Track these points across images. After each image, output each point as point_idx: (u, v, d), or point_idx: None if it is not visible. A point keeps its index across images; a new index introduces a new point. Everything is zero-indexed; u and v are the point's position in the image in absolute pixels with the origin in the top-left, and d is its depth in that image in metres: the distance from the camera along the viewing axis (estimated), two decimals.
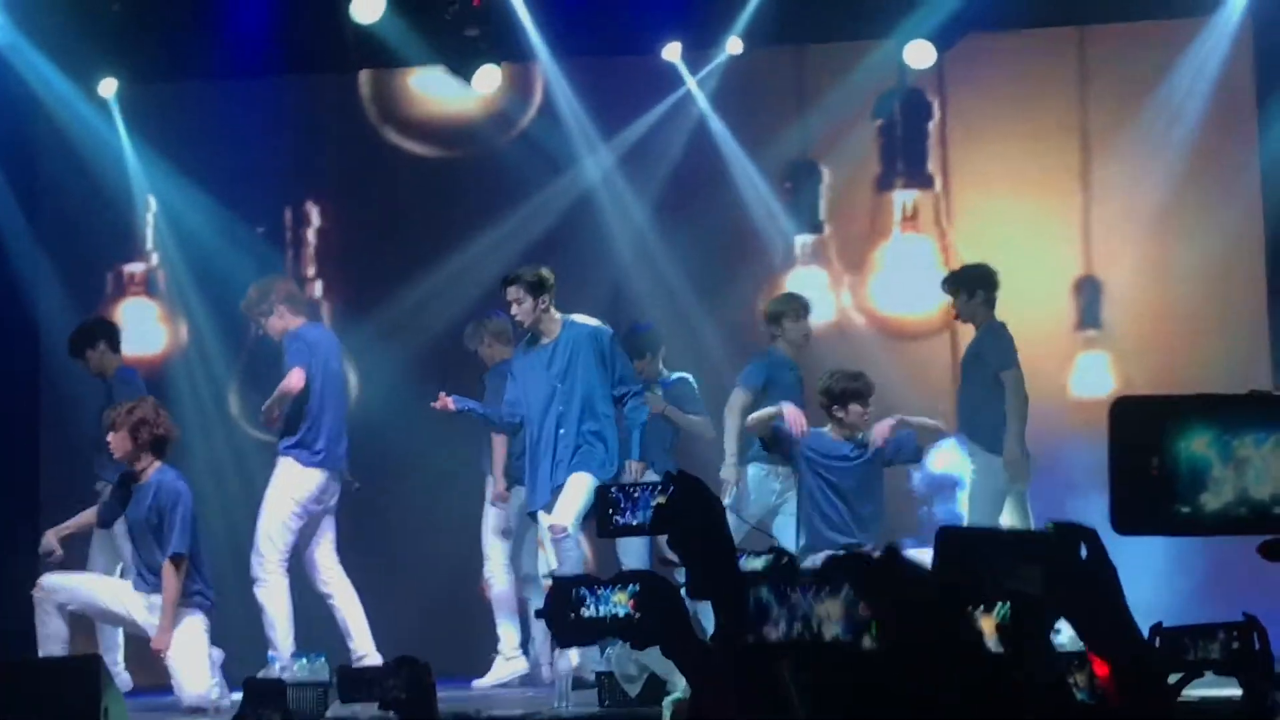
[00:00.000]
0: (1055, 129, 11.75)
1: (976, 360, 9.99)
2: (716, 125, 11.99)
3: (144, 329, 12.23)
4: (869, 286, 12.06)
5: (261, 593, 9.68)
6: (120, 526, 9.57)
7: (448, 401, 9.37)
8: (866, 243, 12.07)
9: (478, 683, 10.11)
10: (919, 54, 11.62)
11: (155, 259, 12.37)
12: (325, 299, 12.34)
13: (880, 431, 9.60)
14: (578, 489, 9.11)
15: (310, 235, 12.44)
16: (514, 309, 9.41)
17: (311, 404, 9.71)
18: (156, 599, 9.17)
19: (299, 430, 9.70)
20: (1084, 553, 2.11)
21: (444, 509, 11.16)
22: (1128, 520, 1.42)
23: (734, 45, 11.83)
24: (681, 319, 11.44)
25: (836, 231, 12.15)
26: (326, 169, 12.42)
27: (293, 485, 9.73)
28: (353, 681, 4.63)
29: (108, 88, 11.94)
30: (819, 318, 10.80)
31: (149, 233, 12.31)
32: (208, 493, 10.74)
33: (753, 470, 9.87)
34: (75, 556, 9.88)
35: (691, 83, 12.01)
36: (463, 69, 11.73)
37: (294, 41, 11.81)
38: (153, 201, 12.17)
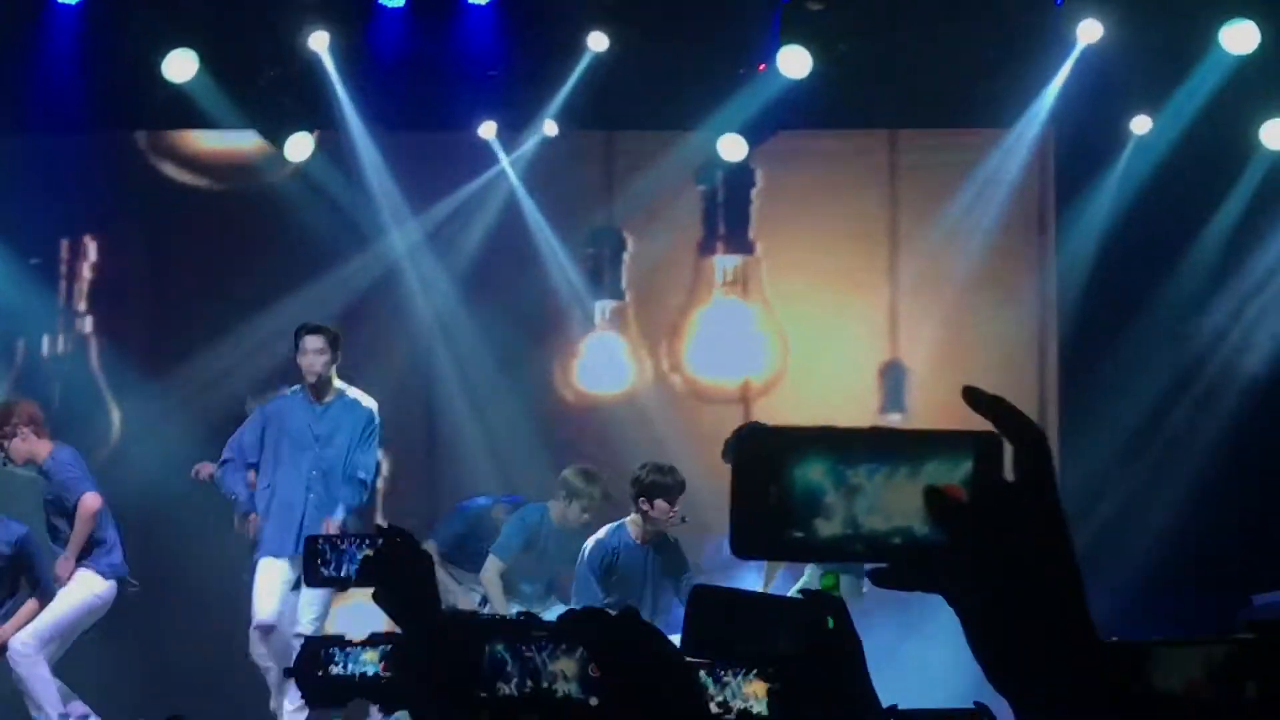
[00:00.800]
0: (865, 233, 11.98)
1: None
2: (527, 203, 12.04)
3: None
4: (684, 350, 12.14)
5: (25, 668, 9.54)
6: None
7: (204, 470, 9.53)
8: (681, 307, 12.14)
9: None
10: (731, 148, 11.81)
11: None
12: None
13: None
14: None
15: (86, 274, 12.24)
16: (311, 358, 9.40)
17: (102, 519, 9.85)
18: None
19: (95, 546, 9.82)
20: (830, 623, 2.15)
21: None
22: (744, 545, 1.44)
23: (549, 127, 11.90)
24: (474, 393, 11.44)
25: (642, 298, 12.22)
26: (121, 224, 12.24)
27: (93, 596, 9.83)
28: None
29: None
30: (619, 385, 10.92)
31: None
32: None
33: None
34: None
35: (505, 161, 12.05)
36: (275, 134, 11.67)
37: (103, 95, 11.65)
38: None
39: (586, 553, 9.56)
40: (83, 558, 9.79)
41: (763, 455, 1.42)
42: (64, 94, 11.52)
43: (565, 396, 12.05)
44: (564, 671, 3.00)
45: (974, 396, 1.46)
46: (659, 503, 9.47)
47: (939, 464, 1.43)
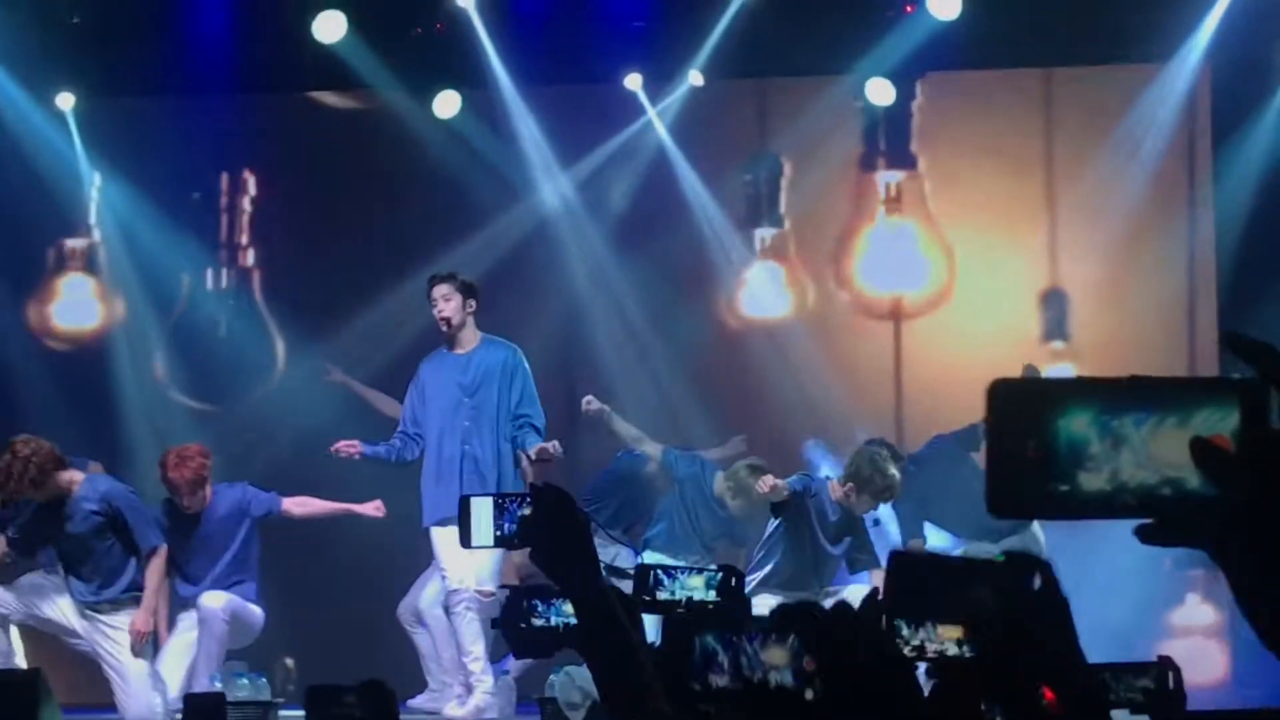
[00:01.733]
0: (1021, 163, 11.87)
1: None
2: (675, 155, 11.99)
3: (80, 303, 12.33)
4: (853, 267, 12.13)
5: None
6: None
7: (351, 448, 9.40)
8: (845, 228, 12.13)
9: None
10: (879, 91, 11.73)
11: (96, 235, 12.30)
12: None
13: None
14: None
15: (254, 259, 12.37)
16: (440, 306, 9.41)
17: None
18: (100, 609, 9.10)
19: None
20: (1036, 583, 2.11)
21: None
22: (1003, 502, 1.40)
23: (695, 78, 11.84)
24: (636, 346, 11.42)
25: (801, 223, 12.18)
26: (281, 188, 12.37)
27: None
28: (319, 702, 4.58)
29: (65, 101, 11.87)
30: (781, 310, 11.00)
31: (92, 209, 12.24)
32: (145, 462, 10.62)
33: None
34: None
35: (652, 113, 12.01)
36: (423, 93, 11.71)
37: (254, 59, 11.75)
38: (97, 177, 12.09)
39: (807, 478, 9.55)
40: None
41: (1020, 409, 1.39)
42: (216, 57, 11.63)
43: (730, 324, 11.99)
44: (775, 662, 2.98)
45: (1237, 342, 1.40)
46: (864, 496, 9.28)
47: (1209, 413, 1.38)
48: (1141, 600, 10.36)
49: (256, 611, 9.56)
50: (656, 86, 11.98)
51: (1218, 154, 11.55)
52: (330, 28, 11.41)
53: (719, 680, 2.95)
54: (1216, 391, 1.40)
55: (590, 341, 11.69)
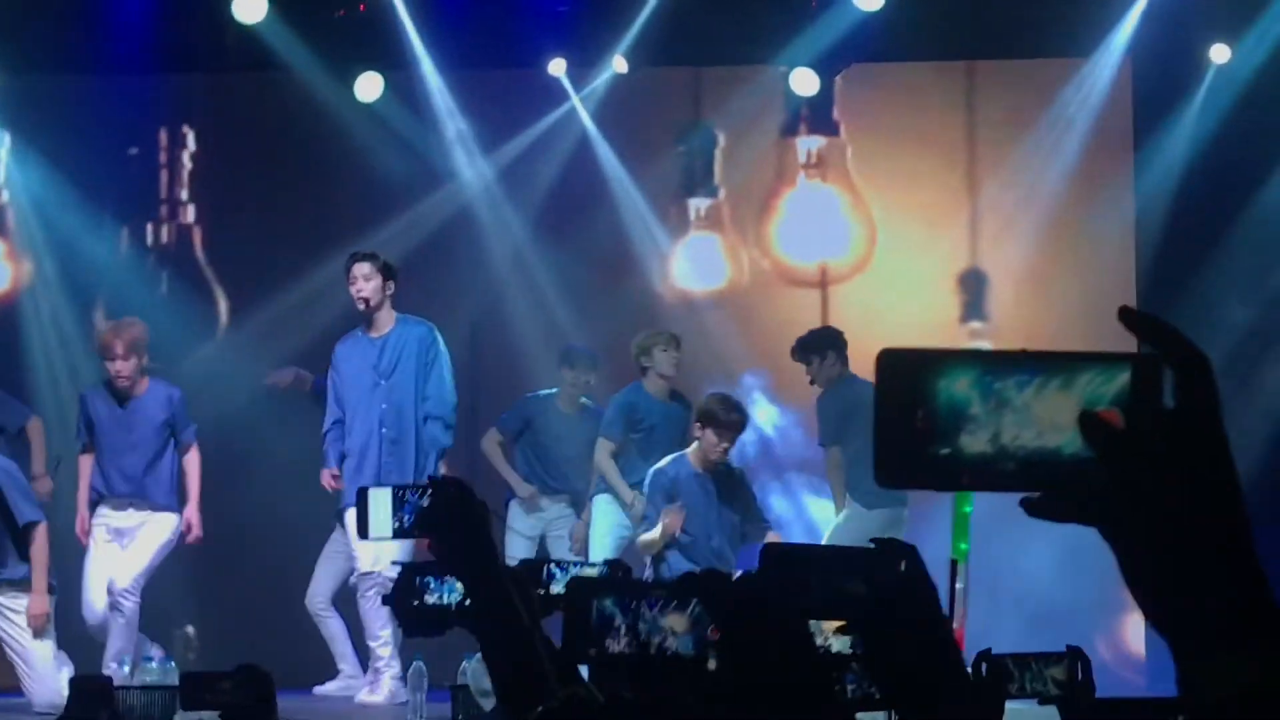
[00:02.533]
0: (945, 149, 11.92)
1: (847, 417, 9.83)
2: (599, 141, 11.97)
3: None
4: (774, 236, 12.12)
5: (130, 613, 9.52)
6: None
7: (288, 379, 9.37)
8: (767, 194, 12.14)
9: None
10: (804, 81, 11.75)
11: (5, 196, 12.12)
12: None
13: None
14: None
15: (173, 233, 12.25)
16: (360, 285, 9.38)
17: None
18: None
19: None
20: (902, 567, 2.13)
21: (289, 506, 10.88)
22: (890, 472, 1.38)
23: (619, 64, 11.82)
24: (556, 335, 11.37)
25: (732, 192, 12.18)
26: (199, 166, 12.26)
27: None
28: (194, 688, 4.57)
29: None
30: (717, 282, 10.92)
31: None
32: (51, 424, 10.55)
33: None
34: None
35: (575, 99, 11.98)
36: (345, 74, 11.64)
37: (173, 39, 11.64)
38: (6, 138, 11.93)
39: (647, 481, 9.53)
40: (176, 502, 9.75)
41: (908, 377, 1.37)
42: (136, 36, 11.52)
43: (665, 298, 11.95)
44: (674, 628, 2.97)
45: (1130, 316, 1.38)
46: (708, 433, 9.37)
47: (1093, 375, 1.36)
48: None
49: (169, 520, 9.56)
50: (580, 72, 11.96)
51: (1139, 147, 11.64)
52: (251, 8, 11.33)
53: (615, 645, 2.94)
54: (1106, 364, 1.37)
55: (509, 327, 11.66)
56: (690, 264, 12.06)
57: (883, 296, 11.67)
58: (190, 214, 12.26)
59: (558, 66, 11.92)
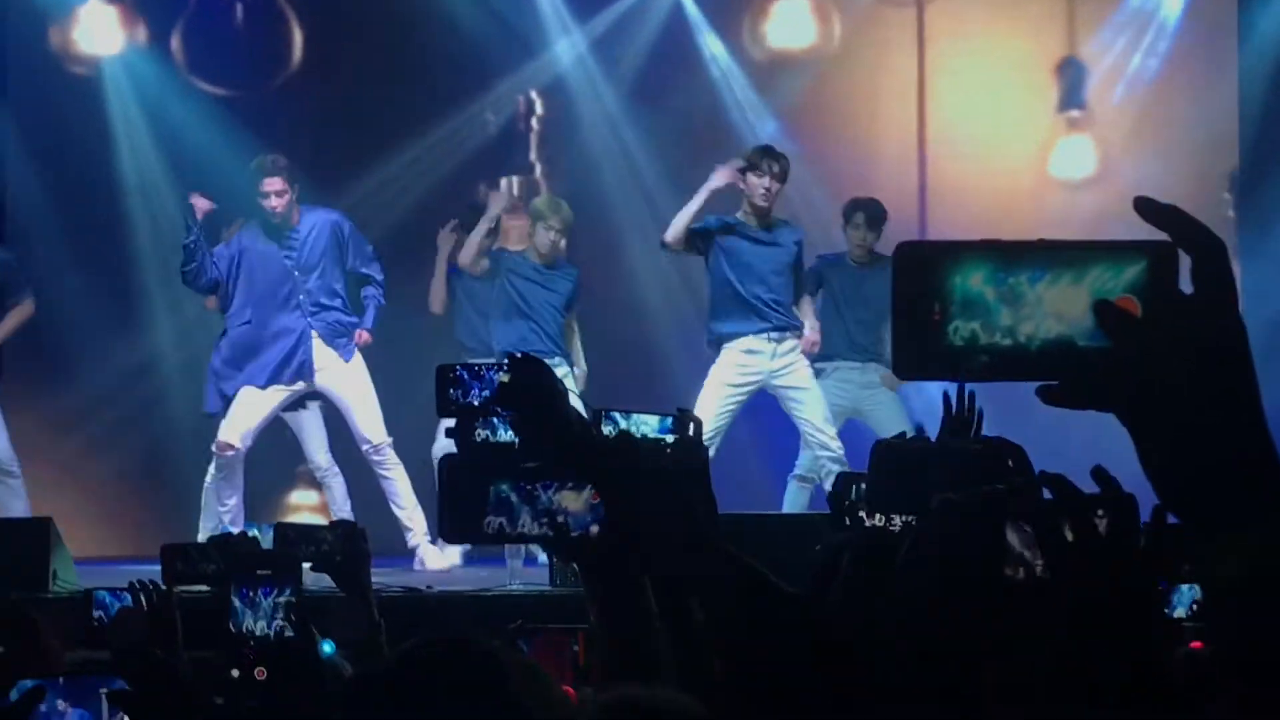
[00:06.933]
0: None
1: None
2: (692, 11, 11.88)
3: None
4: None
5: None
6: None
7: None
8: None
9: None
10: None
11: None
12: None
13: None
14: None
15: (269, 110, 12.22)
16: (273, 201, 9.29)
17: None
18: None
19: None
20: (1010, 466, 2.15)
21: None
22: (908, 365, 1.40)
23: None
24: (650, 205, 11.36)
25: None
26: (293, 35, 12.23)
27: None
28: (287, 537, 4.63)
29: None
30: None
31: None
32: None
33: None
34: None
35: None
36: None
37: None
38: None
39: None
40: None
41: (923, 271, 1.38)
42: None
43: None
44: (570, 507, 3.07)
45: (1147, 206, 1.38)
46: (750, 176, 9.36)
47: (1103, 269, 1.37)
48: None
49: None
50: None
51: (1243, 14, 11.36)
52: None
53: (510, 528, 3.07)
54: (1119, 250, 1.38)
55: (605, 198, 11.65)
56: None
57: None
58: (276, 91, 12.19)
59: None
